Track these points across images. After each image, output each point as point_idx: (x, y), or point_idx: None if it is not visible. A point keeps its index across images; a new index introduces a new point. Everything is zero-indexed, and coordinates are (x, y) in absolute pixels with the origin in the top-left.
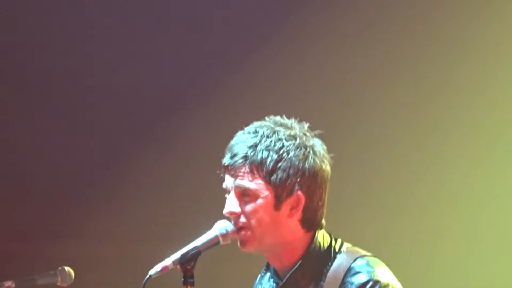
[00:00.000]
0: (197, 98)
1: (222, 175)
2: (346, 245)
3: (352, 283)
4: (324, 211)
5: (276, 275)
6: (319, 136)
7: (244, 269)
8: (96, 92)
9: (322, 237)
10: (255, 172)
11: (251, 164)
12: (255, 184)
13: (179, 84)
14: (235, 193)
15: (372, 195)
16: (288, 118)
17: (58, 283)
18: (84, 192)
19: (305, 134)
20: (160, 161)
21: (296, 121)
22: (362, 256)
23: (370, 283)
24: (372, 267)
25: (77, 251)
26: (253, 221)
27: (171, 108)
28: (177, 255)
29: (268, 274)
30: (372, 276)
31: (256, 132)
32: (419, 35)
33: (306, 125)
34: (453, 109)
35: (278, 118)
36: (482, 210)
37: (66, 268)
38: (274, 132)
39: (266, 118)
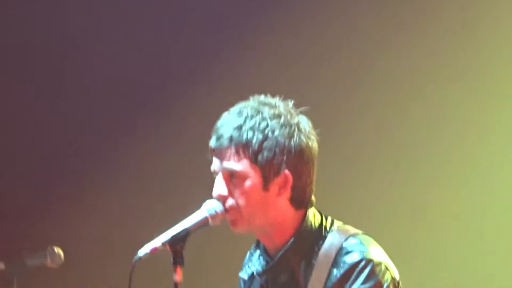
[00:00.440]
0: (183, 79)
1: (209, 157)
2: (337, 223)
3: (344, 262)
4: (313, 188)
5: (266, 254)
6: (304, 113)
7: (234, 248)
8: (76, 74)
9: (313, 216)
10: (241, 153)
11: (236, 145)
12: (242, 165)
13: (165, 67)
14: (223, 175)
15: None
16: (272, 96)
17: (48, 264)
18: (70, 171)
19: (289, 112)
20: (147, 139)
21: (281, 99)
22: (354, 235)
23: (363, 262)
24: (365, 246)
25: (64, 231)
26: (241, 203)
27: (157, 88)
28: (166, 236)
29: (258, 251)
30: (365, 255)
31: (240, 112)
32: (418, 34)
33: (291, 103)
34: (451, 102)
35: (262, 97)
36: (481, 203)
37: (56, 249)
38: (258, 112)
39: (251, 97)
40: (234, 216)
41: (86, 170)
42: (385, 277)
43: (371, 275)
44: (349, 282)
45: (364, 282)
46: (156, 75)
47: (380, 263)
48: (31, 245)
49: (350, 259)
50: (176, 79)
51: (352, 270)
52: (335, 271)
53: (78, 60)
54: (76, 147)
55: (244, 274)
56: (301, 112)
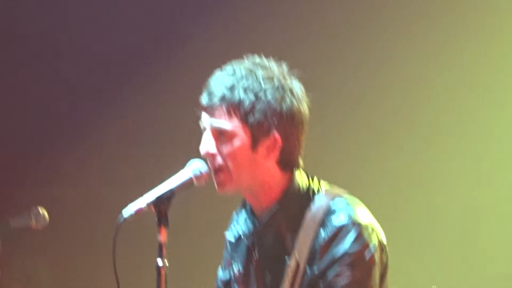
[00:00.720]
0: (174, 38)
1: (198, 113)
2: (324, 185)
3: (332, 223)
4: (301, 151)
5: (253, 215)
6: (298, 77)
7: (219, 208)
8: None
9: (300, 178)
10: (232, 113)
11: (228, 104)
12: (232, 125)
13: (154, 24)
14: (212, 133)
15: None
16: (267, 58)
17: (33, 226)
18: (53, 135)
19: (283, 75)
20: (129, 103)
21: (275, 61)
22: (340, 195)
23: (351, 224)
24: (352, 207)
25: (47, 195)
26: (230, 163)
27: (145, 49)
28: (151, 197)
29: (244, 212)
30: (353, 216)
31: (234, 72)
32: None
33: (284, 66)
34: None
35: (256, 58)
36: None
37: (41, 210)
38: (252, 73)
39: (245, 57)
40: (221, 176)
41: (70, 134)
42: (373, 240)
43: (359, 237)
44: (337, 243)
45: (352, 244)
46: (142, 38)
47: (367, 226)
48: (15, 209)
49: (337, 221)
50: (160, 42)
51: (340, 231)
52: (322, 232)
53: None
54: (60, 112)
55: (230, 235)
56: (294, 77)
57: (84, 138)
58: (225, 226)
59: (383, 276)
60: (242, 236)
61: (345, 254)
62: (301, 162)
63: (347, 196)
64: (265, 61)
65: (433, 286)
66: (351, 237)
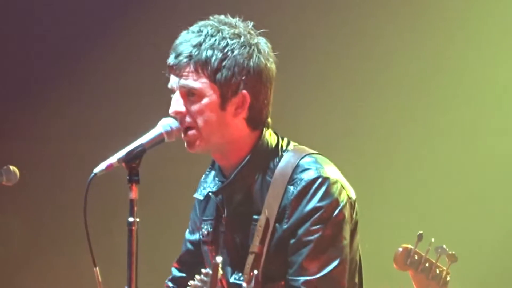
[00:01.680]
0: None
1: (167, 75)
2: (293, 144)
3: (301, 179)
4: (270, 109)
5: (222, 174)
6: (264, 35)
7: (189, 169)
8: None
9: (270, 135)
10: (200, 71)
11: (195, 63)
12: (200, 83)
13: None
14: (180, 92)
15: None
16: (233, 17)
17: (3, 182)
18: (24, 91)
19: (249, 33)
20: (101, 60)
21: (241, 20)
22: (309, 154)
23: (320, 180)
24: (321, 164)
25: (18, 151)
26: (199, 121)
27: (118, 8)
28: (122, 153)
29: (213, 172)
30: (321, 172)
31: (200, 31)
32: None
33: (250, 24)
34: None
35: (222, 17)
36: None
37: (11, 167)
38: (218, 31)
39: (211, 17)
40: (191, 135)
41: (41, 91)
42: (342, 195)
43: (328, 192)
44: (306, 199)
45: (321, 200)
46: None
47: (336, 181)
48: None
49: (306, 176)
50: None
51: (309, 187)
52: (291, 188)
53: None
54: (30, 67)
55: (199, 195)
56: (260, 34)
57: (55, 95)
58: (195, 187)
59: (353, 232)
60: (211, 194)
61: (314, 209)
62: (269, 120)
63: (316, 154)
64: (231, 19)
65: (432, 239)
66: (319, 192)
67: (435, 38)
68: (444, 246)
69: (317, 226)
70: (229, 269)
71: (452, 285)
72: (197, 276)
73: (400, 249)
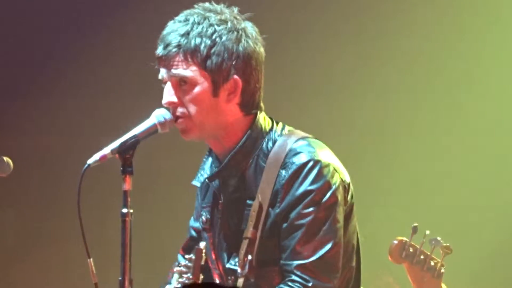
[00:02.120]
0: None
1: (156, 67)
2: (287, 128)
3: (293, 163)
4: (262, 93)
5: (217, 160)
6: (249, 19)
7: (184, 159)
8: None
9: (264, 120)
10: (190, 59)
11: (185, 52)
12: (191, 71)
13: None
14: (172, 83)
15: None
16: (217, 4)
17: None
18: (21, 85)
19: (235, 18)
20: (97, 56)
21: (225, 5)
22: (303, 138)
23: (311, 163)
24: (313, 148)
25: (12, 144)
26: (192, 109)
27: (111, 5)
28: (115, 144)
29: (210, 159)
30: (313, 156)
31: (186, 20)
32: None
33: (235, 9)
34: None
35: (207, 4)
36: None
37: (5, 158)
38: (205, 18)
39: (195, 5)
40: (185, 123)
41: (37, 85)
42: (334, 178)
43: (319, 175)
44: (298, 182)
45: (312, 183)
46: None
47: (328, 164)
48: None
49: (298, 159)
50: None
51: (300, 171)
52: (283, 172)
53: None
54: (26, 61)
55: (196, 182)
56: (246, 18)
57: (50, 89)
58: (193, 175)
59: (349, 215)
60: (207, 181)
61: (306, 192)
62: (262, 105)
63: (310, 138)
64: (216, 6)
65: (426, 231)
66: (311, 175)
67: (443, 36)
68: (439, 238)
69: (309, 209)
70: (225, 255)
71: (447, 277)
72: (181, 262)
73: (395, 242)
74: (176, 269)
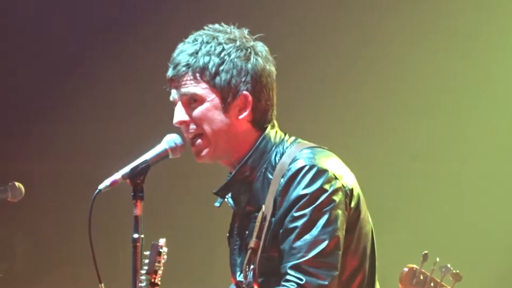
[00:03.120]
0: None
1: (168, 89)
2: (299, 140)
3: (289, 170)
4: (275, 111)
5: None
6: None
7: (203, 184)
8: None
9: (274, 134)
10: (199, 77)
11: (193, 70)
12: (201, 88)
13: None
14: (182, 102)
15: None
16: (227, 25)
17: (9, 199)
18: (34, 110)
19: (245, 37)
20: (111, 82)
21: (235, 27)
22: (310, 147)
23: (306, 168)
24: (313, 155)
25: (23, 168)
26: (205, 126)
27: (113, 26)
28: (126, 169)
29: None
30: (310, 161)
31: (195, 40)
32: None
33: (245, 30)
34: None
35: (217, 25)
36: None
37: (17, 184)
38: (213, 38)
39: (205, 27)
40: (199, 144)
41: (48, 110)
42: (331, 183)
43: (314, 179)
44: (292, 187)
45: (306, 186)
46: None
47: (325, 170)
48: None
49: (294, 165)
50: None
51: (295, 176)
52: (281, 180)
53: None
54: (35, 87)
55: (216, 203)
56: (256, 39)
57: (60, 113)
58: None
59: (355, 222)
60: (214, 193)
61: (299, 196)
62: (275, 122)
63: (316, 147)
64: (225, 27)
65: (437, 258)
66: (304, 179)
67: (453, 40)
68: (449, 265)
69: (302, 212)
70: (237, 269)
71: None
72: (143, 261)
73: (406, 269)
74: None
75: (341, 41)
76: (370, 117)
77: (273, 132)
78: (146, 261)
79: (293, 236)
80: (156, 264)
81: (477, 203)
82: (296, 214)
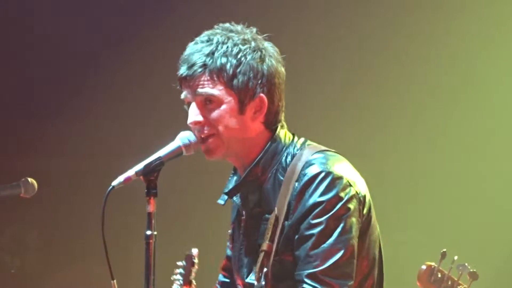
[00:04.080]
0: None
1: (178, 87)
2: (309, 142)
3: (305, 174)
4: (284, 111)
5: (239, 176)
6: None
7: (211, 180)
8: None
9: (284, 135)
10: (216, 78)
11: (210, 71)
12: (218, 90)
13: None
14: (197, 102)
15: None
16: (237, 24)
17: (22, 194)
18: (48, 108)
19: (257, 38)
20: (115, 77)
21: (245, 26)
22: (321, 151)
23: (322, 174)
24: (327, 160)
25: (37, 164)
26: (220, 128)
27: (128, 26)
28: (140, 166)
29: (235, 178)
30: (325, 167)
31: (210, 40)
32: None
33: (254, 29)
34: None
35: (227, 24)
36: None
37: (30, 179)
38: (228, 38)
39: (215, 26)
40: (214, 143)
41: (61, 106)
42: (346, 190)
43: (330, 187)
44: (308, 193)
45: (322, 194)
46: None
47: (340, 177)
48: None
49: (309, 171)
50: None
51: (311, 182)
52: (296, 184)
53: None
54: (50, 82)
55: (220, 201)
56: (265, 38)
57: (74, 110)
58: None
59: (366, 228)
60: (226, 196)
61: (316, 203)
62: (284, 123)
63: (329, 152)
64: (236, 26)
65: (455, 257)
66: (321, 186)
67: (467, 43)
68: (466, 264)
69: (319, 220)
70: (245, 270)
71: None
72: (175, 270)
73: (424, 267)
74: (172, 277)
75: (342, 41)
76: (385, 115)
77: (283, 133)
78: (178, 270)
79: (309, 243)
80: (191, 275)
81: (493, 202)
82: (312, 222)
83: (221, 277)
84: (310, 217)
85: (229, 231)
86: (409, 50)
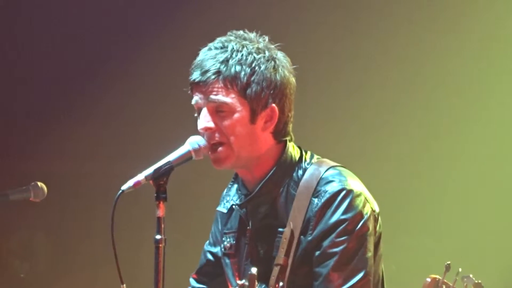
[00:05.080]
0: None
1: (189, 92)
2: (316, 157)
3: (325, 191)
4: (292, 122)
5: (245, 187)
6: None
7: (215, 185)
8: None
9: (293, 148)
10: (229, 86)
11: (224, 79)
12: (230, 98)
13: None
14: (208, 109)
15: None
16: (250, 32)
17: (31, 199)
18: (55, 111)
19: (270, 47)
20: (120, 80)
21: (258, 34)
22: (333, 167)
23: (344, 192)
24: (345, 177)
25: (46, 168)
26: (231, 136)
27: (133, 30)
28: (150, 170)
29: (236, 185)
30: (345, 185)
31: (224, 47)
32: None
33: (266, 38)
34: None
35: (241, 32)
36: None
37: (39, 184)
38: (243, 46)
39: (229, 33)
40: (221, 152)
41: (70, 112)
42: (366, 208)
43: (352, 205)
44: (330, 211)
45: (345, 212)
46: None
47: (360, 194)
48: (14, 183)
49: (330, 188)
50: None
51: (333, 199)
52: (315, 200)
53: None
54: (57, 85)
55: (222, 208)
56: (277, 47)
57: (83, 113)
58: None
59: (377, 245)
60: (234, 207)
61: (339, 221)
62: (292, 134)
63: (339, 167)
64: (249, 34)
65: (459, 268)
66: (344, 204)
67: (475, 42)
68: (471, 276)
69: (342, 238)
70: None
71: None
72: (194, 285)
73: (428, 280)
74: None
75: (341, 43)
76: (394, 120)
77: (292, 147)
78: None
79: (331, 262)
80: None
81: (500, 210)
82: (336, 240)
83: (194, 283)
84: (334, 235)
85: (227, 240)
86: (407, 53)
